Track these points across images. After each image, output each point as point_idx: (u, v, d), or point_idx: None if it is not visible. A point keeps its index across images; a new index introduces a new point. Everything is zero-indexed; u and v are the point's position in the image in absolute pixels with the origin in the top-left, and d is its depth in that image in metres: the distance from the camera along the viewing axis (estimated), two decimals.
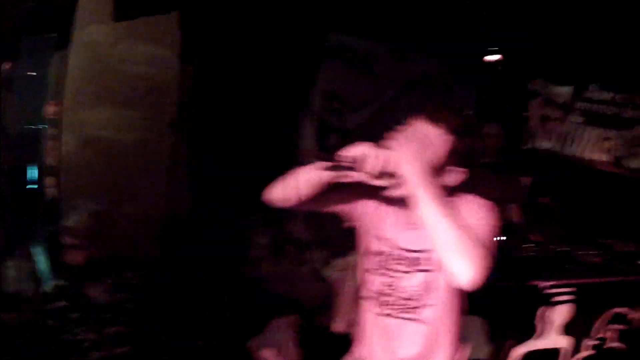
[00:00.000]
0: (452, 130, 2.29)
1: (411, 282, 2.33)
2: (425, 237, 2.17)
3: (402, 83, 6.75)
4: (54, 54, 4.15)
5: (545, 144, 7.65)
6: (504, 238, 4.79)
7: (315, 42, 5.75)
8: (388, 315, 2.38)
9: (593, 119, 7.30)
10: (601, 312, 4.66)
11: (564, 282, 4.54)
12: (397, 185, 2.22)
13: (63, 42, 4.09)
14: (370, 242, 2.46)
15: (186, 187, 4.57)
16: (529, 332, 4.50)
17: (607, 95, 7.21)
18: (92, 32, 4.07)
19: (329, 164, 2.17)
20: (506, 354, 4.45)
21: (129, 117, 4.24)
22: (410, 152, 2.14)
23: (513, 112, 7.70)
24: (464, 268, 2.07)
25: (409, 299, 2.33)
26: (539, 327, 4.51)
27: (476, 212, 2.27)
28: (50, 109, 4.30)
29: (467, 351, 2.46)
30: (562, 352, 4.55)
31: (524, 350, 4.50)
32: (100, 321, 3.60)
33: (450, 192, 2.30)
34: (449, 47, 6.69)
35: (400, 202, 2.29)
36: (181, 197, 4.60)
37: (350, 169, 2.14)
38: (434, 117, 2.31)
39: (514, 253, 4.84)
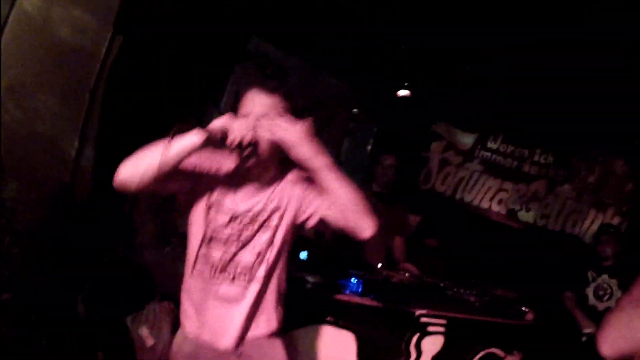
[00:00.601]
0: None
1: (244, 248, 2.61)
2: (261, 198, 2.60)
3: (310, 100, 6.67)
4: None
5: (440, 187, 7.69)
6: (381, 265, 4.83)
7: (238, 42, 5.76)
8: (214, 281, 2.62)
9: (492, 169, 7.41)
10: (475, 350, 4.60)
11: (438, 312, 4.40)
12: (252, 155, 2.49)
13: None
14: (201, 219, 2.64)
15: (92, 161, 4.29)
16: (400, 357, 4.33)
17: (509, 148, 7.32)
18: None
19: (195, 134, 2.35)
20: None
21: (50, 80, 3.96)
22: (302, 127, 2.44)
23: (415, 151, 7.74)
24: (369, 222, 2.49)
25: (237, 265, 2.61)
26: (412, 353, 4.35)
27: None
28: None
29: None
30: None
31: None
32: None
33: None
34: (361, 76, 6.71)
35: (245, 173, 2.60)
36: (84, 171, 4.32)
37: (221, 139, 2.39)
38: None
39: (391, 279, 4.68)
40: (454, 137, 7.75)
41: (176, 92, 4.82)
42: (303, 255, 4.26)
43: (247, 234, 2.60)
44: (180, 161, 2.38)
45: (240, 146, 2.41)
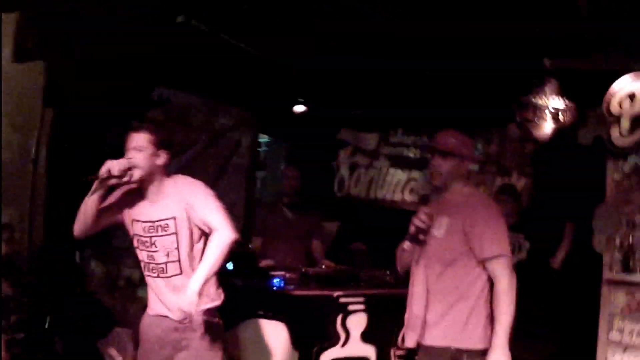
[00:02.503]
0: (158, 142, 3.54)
1: (157, 250, 3.53)
2: (159, 210, 3.52)
3: (214, 132, 7.23)
4: None
5: (354, 190, 8.27)
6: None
7: (143, 92, 6.41)
8: (155, 277, 3.57)
9: (398, 162, 8.01)
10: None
11: (355, 292, 4.99)
12: (132, 180, 3.45)
13: None
14: (130, 229, 3.64)
15: (41, 221, 5.06)
16: (330, 339, 4.95)
17: (410, 139, 7.93)
18: None
19: (96, 183, 3.35)
20: None
21: None
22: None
23: (323, 161, 8.32)
24: (230, 226, 3.45)
25: (158, 263, 3.54)
26: (341, 334, 4.96)
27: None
28: None
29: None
30: None
31: (330, 356, 4.94)
32: None
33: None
34: (258, 99, 7.27)
35: (137, 191, 3.57)
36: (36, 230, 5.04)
37: (107, 179, 3.34)
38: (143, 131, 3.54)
39: (310, 272, 5.35)
40: (359, 140, 8.37)
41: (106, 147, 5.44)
42: (229, 266, 4.87)
43: (155, 239, 3.54)
44: (97, 206, 3.43)
45: (117, 176, 3.38)
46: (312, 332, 4.91)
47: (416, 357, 3.56)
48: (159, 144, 3.53)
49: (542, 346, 5.62)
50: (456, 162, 3.57)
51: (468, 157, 3.72)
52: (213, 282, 3.60)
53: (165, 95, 6.66)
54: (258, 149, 8.47)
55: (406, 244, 3.57)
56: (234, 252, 4.91)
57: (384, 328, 5.06)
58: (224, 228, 3.43)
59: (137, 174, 3.44)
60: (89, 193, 3.39)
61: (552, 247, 5.80)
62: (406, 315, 3.63)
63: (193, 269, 3.48)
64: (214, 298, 3.63)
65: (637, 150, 4.93)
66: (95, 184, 3.36)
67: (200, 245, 3.57)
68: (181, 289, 3.40)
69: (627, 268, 4.87)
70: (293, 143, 8.60)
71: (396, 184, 8.00)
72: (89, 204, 3.41)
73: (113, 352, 4.90)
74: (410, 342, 3.55)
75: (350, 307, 4.98)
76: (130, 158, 3.45)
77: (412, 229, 3.51)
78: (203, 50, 5.92)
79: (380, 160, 8.19)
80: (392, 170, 8.07)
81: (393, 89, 7.07)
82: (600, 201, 5.20)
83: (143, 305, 3.81)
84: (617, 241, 4.95)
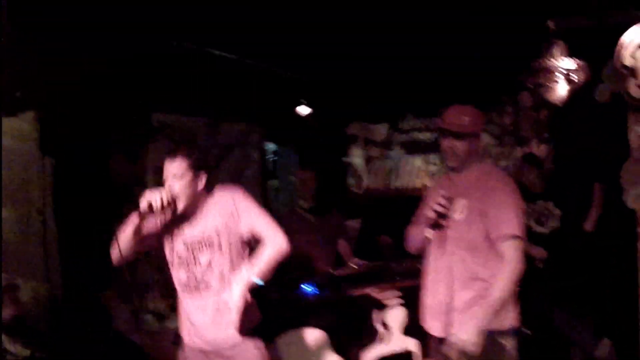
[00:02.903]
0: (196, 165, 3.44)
1: (201, 266, 3.45)
2: (202, 225, 3.45)
3: (220, 150, 7.19)
4: None
5: (373, 184, 8.19)
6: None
7: (141, 122, 6.39)
8: (190, 296, 3.49)
9: (413, 148, 7.93)
10: None
11: (389, 286, 4.91)
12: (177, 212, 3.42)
13: None
14: (169, 251, 3.57)
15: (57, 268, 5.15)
16: (371, 337, 4.91)
17: (421, 122, 7.84)
18: None
19: (135, 213, 3.25)
20: None
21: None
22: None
23: (336, 159, 8.25)
24: (282, 233, 3.40)
25: (201, 280, 3.45)
26: (379, 331, 4.89)
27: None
28: None
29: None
30: (414, 356, 4.92)
31: (373, 355, 4.87)
32: None
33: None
34: (260, 109, 7.25)
35: (176, 220, 3.49)
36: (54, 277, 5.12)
37: (149, 210, 3.22)
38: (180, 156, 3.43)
39: (337, 272, 5.36)
40: (369, 132, 8.28)
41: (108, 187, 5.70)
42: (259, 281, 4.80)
43: (198, 254, 3.46)
44: (135, 234, 3.32)
45: (158, 207, 3.26)
46: (352, 333, 4.85)
47: (444, 346, 3.37)
48: (197, 166, 3.43)
49: (583, 317, 5.58)
50: (471, 140, 3.46)
51: (480, 133, 3.64)
52: (252, 303, 3.50)
53: (165, 121, 6.70)
54: (267, 158, 8.42)
55: (429, 232, 3.41)
56: None
57: None
58: (277, 233, 3.41)
59: (181, 205, 3.39)
60: (128, 223, 3.32)
61: (584, 211, 5.69)
62: (427, 304, 3.54)
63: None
64: (251, 319, 3.50)
65: None
66: (132, 217, 3.30)
67: (243, 259, 3.48)
68: (223, 309, 3.38)
69: None
70: (303, 147, 8.50)
71: (414, 171, 7.92)
72: (128, 234, 3.33)
73: None
74: (436, 331, 3.46)
75: (387, 302, 4.90)
76: (170, 186, 3.36)
77: (431, 214, 3.40)
78: (195, 69, 5.93)
79: (394, 149, 8.12)
80: (408, 158, 8.00)
81: (396, 72, 6.97)
82: (626, 157, 5.11)
83: (173, 336, 3.87)
84: None
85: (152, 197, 3.23)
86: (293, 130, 8.20)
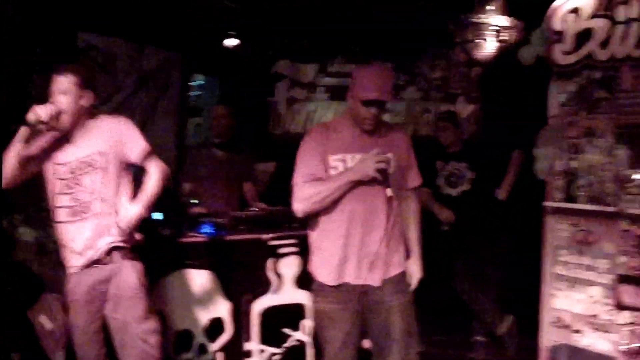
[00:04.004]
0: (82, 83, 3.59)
1: (84, 189, 3.59)
2: (85, 147, 3.60)
3: (139, 76, 7.07)
4: None
5: (291, 126, 8.03)
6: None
7: (67, 41, 6.34)
8: (72, 221, 3.60)
9: (336, 93, 7.78)
10: None
11: (286, 234, 4.82)
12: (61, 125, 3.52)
13: None
14: (52, 176, 3.64)
15: None
16: (262, 286, 4.77)
17: (348, 67, 7.67)
18: None
19: (21, 130, 3.37)
20: (246, 310, 4.70)
21: None
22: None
23: (259, 97, 8.05)
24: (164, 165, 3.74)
25: (83, 203, 3.59)
26: (272, 280, 4.76)
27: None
28: None
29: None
30: (306, 308, 4.81)
31: (264, 304, 4.75)
32: None
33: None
34: (185, 37, 7.01)
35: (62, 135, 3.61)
36: None
37: (35, 125, 3.35)
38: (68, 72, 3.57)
39: (241, 215, 5.17)
40: (297, 72, 8.10)
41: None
42: (159, 215, 4.63)
43: (81, 177, 3.59)
44: (23, 154, 3.44)
45: (45, 122, 3.38)
46: (243, 279, 4.72)
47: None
48: (83, 85, 3.59)
49: (489, 284, 5.56)
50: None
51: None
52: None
53: (92, 41, 6.69)
54: (189, 92, 8.18)
55: (389, 191, 3.46)
56: (164, 202, 4.80)
57: None
58: (157, 160, 3.70)
59: (65, 119, 3.52)
60: (14, 141, 3.42)
61: (498, 178, 5.64)
62: (364, 259, 3.55)
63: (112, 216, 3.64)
64: (131, 240, 3.73)
65: (582, 68, 4.73)
66: (21, 131, 3.40)
67: (126, 183, 3.71)
68: (106, 231, 3.59)
69: (569, 197, 4.72)
70: (226, 81, 8.24)
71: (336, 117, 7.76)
72: (14, 152, 3.43)
73: (43, 319, 4.77)
74: (376, 282, 3.58)
75: (282, 250, 4.78)
76: (56, 102, 3.50)
77: (377, 175, 3.40)
78: None
79: (318, 92, 7.96)
80: (331, 103, 7.84)
81: (330, 14, 6.79)
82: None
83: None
84: (559, 167, 4.78)
85: (38, 110, 3.36)
86: (218, 62, 7.97)
